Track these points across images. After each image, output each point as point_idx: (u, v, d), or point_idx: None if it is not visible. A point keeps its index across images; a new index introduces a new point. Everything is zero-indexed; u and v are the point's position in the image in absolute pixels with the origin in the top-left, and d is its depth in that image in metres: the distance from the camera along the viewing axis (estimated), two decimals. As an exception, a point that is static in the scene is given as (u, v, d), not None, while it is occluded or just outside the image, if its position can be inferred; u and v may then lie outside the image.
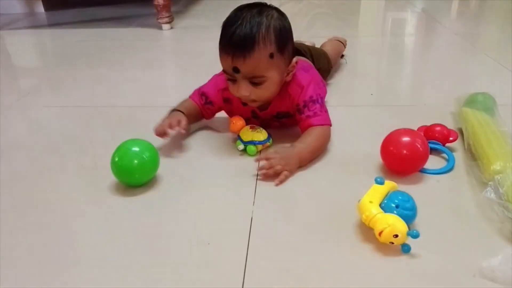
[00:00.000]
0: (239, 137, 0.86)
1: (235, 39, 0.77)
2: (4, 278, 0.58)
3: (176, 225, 0.68)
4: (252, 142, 0.85)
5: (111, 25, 2.04)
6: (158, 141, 0.86)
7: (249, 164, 0.83)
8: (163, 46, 1.78)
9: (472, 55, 1.48)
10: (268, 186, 0.76)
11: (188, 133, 0.93)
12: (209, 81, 0.95)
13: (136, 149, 0.76)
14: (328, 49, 1.24)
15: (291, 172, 0.78)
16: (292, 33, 0.84)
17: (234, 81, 0.82)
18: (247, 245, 0.63)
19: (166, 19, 1.88)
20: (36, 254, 0.63)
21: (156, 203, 0.74)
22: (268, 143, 0.87)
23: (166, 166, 0.83)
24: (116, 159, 0.75)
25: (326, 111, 0.88)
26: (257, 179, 0.78)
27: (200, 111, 0.95)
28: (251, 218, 0.68)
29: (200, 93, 0.94)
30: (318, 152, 0.84)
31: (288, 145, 0.84)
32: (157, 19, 1.88)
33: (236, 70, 0.79)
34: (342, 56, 1.38)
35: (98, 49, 1.70)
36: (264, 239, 0.64)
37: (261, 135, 0.86)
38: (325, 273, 0.57)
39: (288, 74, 0.84)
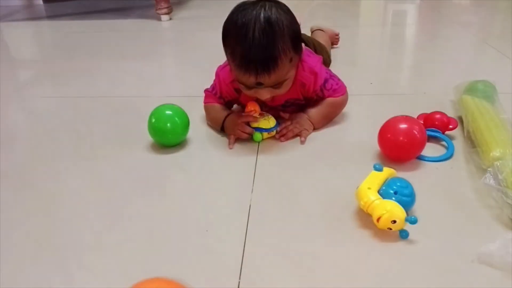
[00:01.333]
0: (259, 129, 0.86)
1: (256, 59, 0.73)
2: (1, 264, 0.59)
3: (174, 212, 0.68)
4: (258, 129, 0.84)
5: (110, 16, 2.04)
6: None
7: (248, 152, 0.82)
8: (162, 37, 1.77)
9: (472, 44, 1.48)
10: (266, 174, 0.76)
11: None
12: (216, 79, 0.91)
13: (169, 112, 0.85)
14: (323, 43, 1.23)
15: (308, 131, 0.87)
16: (298, 22, 0.81)
17: (251, 87, 0.80)
18: (245, 233, 0.62)
19: (164, 10, 1.87)
20: (34, 242, 0.63)
21: (155, 191, 0.74)
22: (273, 132, 0.86)
23: (164, 154, 0.83)
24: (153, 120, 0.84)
25: (339, 79, 0.92)
26: (255, 167, 0.78)
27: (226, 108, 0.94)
28: (249, 205, 0.68)
29: (218, 97, 0.92)
30: (330, 116, 0.91)
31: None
32: (156, 10, 1.87)
33: (259, 84, 0.78)
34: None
35: (96, 41, 1.69)
36: (262, 226, 0.64)
37: (268, 122, 0.85)
38: (324, 260, 0.57)
39: (298, 63, 0.84)
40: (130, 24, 1.90)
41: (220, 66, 0.91)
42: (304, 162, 0.80)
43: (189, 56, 1.47)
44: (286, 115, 0.90)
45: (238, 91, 0.88)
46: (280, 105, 0.91)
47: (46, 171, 0.81)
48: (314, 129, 0.88)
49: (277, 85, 0.79)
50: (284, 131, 0.85)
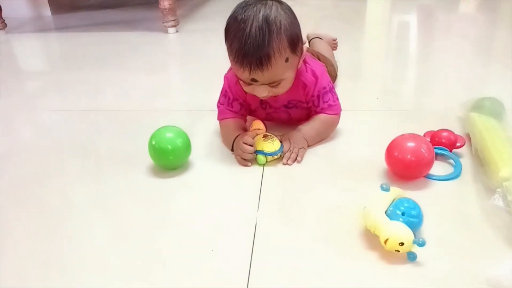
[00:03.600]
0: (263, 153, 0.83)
1: (250, 53, 0.74)
2: (6, 281, 0.58)
3: (179, 231, 0.68)
4: (262, 153, 0.82)
5: (117, 28, 2.05)
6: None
7: (254, 170, 0.82)
8: (168, 50, 1.78)
9: (479, 59, 1.47)
10: (272, 192, 0.76)
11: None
12: (225, 83, 0.92)
13: (170, 134, 0.83)
14: (326, 54, 1.22)
15: (305, 149, 0.87)
16: (299, 23, 0.81)
17: (249, 84, 0.81)
18: (251, 252, 0.62)
19: (171, 23, 1.88)
20: (39, 257, 0.63)
21: (160, 209, 0.73)
22: (277, 156, 0.83)
23: (170, 171, 0.83)
24: (153, 142, 0.82)
25: (338, 99, 0.92)
26: (261, 185, 0.78)
27: (241, 120, 0.93)
28: (255, 224, 0.68)
29: (229, 103, 0.92)
30: (323, 135, 0.91)
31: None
32: (163, 22, 1.88)
33: (254, 80, 0.79)
34: None
35: (104, 53, 1.70)
36: (268, 245, 0.63)
37: (272, 145, 0.82)
38: (329, 281, 0.57)
39: (299, 62, 0.84)
40: (137, 36, 1.92)
41: (227, 70, 0.92)
42: (311, 180, 0.79)
43: (195, 69, 1.47)
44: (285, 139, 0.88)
45: (243, 91, 0.88)
46: (283, 106, 0.92)
47: (51, 187, 0.81)
48: (308, 145, 0.88)
49: (273, 83, 0.80)
50: (294, 157, 0.84)
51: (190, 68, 1.52)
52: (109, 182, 0.82)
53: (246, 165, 0.83)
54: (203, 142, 0.93)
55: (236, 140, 0.87)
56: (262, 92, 0.81)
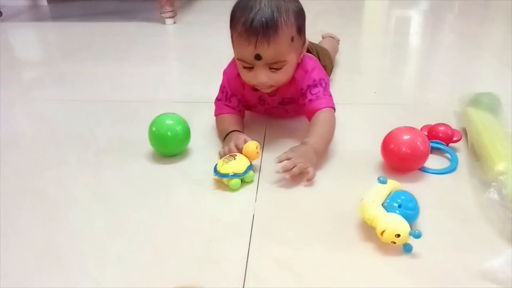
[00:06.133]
0: (217, 173, 0.74)
1: (257, 25, 0.75)
2: (4, 273, 0.59)
3: (178, 221, 0.68)
4: (233, 176, 0.73)
5: (114, 19, 2.04)
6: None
7: (253, 161, 0.82)
8: (166, 41, 1.77)
9: (476, 55, 1.48)
10: (270, 184, 0.76)
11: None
12: (224, 78, 0.91)
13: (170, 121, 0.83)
14: (328, 48, 1.23)
15: (314, 167, 0.76)
16: (304, 12, 0.83)
17: (250, 68, 0.80)
18: (249, 243, 0.62)
19: (169, 14, 1.88)
20: (37, 250, 0.63)
21: (158, 200, 0.74)
22: (248, 174, 0.75)
23: (168, 162, 0.83)
24: (154, 128, 0.82)
25: (330, 95, 0.87)
26: (259, 176, 0.78)
27: (237, 116, 0.91)
28: (253, 215, 0.68)
29: (226, 99, 0.91)
30: (330, 139, 0.84)
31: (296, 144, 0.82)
32: (161, 13, 1.87)
33: (258, 57, 0.77)
34: None
35: (101, 43, 1.69)
36: (266, 236, 0.64)
37: (240, 164, 0.74)
38: (326, 272, 0.57)
39: (300, 55, 0.84)
40: (135, 27, 1.90)
41: (226, 67, 0.92)
42: (308, 172, 0.80)
43: (193, 61, 1.47)
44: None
45: (244, 86, 0.88)
46: (278, 103, 0.91)
47: (49, 177, 0.81)
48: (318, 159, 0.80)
49: (275, 64, 0.79)
50: (290, 165, 0.73)
51: (188, 59, 1.52)
52: (107, 172, 0.82)
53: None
54: (201, 133, 0.93)
55: (230, 135, 0.85)
56: (263, 76, 0.79)
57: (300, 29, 0.81)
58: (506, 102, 0.95)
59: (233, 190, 0.74)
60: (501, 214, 0.64)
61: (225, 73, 0.92)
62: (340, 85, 1.19)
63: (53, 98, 1.19)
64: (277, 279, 0.57)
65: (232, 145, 0.80)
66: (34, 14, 2.21)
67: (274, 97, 0.90)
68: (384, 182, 0.65)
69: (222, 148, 0.83)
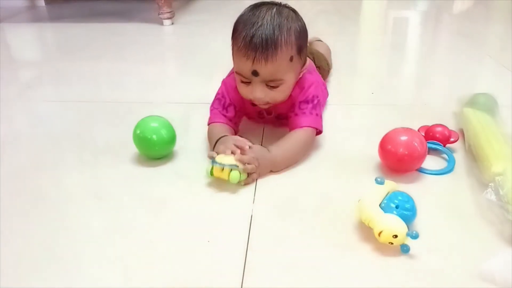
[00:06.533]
0: (216, 162, 0.73)
1: (257, 41, 0.74)
2: (2, 273, 0.58)
3: (175, 222, 0.68)
4: (233, 166, 0.72)
5: (112, 19, 2.04)
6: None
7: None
8: (164, 42, 1.77)
9: (474, 56, 1.48)
10: (268, 184, 0.76)
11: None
12: (223, 86, 0.89)
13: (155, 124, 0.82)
14: (322, 51, 1.23)
15: (260, 176, 0.76)
16: (307, 34, 0.83)
17: (248, 83, 0.80)
18: (247, 243, 0.62)
19: (167, 15, 1.87)
20: (35, 250, 0.63)
21: (155, 200, 0.73)
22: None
23: (163, 161, 0.83)
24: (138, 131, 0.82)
25: (318, 115, 0.84)
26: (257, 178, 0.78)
27: (230, 128, 0.87)
28: (251, 216, 0.68)
29: (223, 107, 0.87)
30: (294, 159, 0.81)
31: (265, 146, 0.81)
32: (158, 14, 1.87)
33: (255, 73, 0.77)
34: None
35: (98, 43, 1.69)
36: (264, 237, 0.64)
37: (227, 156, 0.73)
38: (324, 272, 0.57)
39: (300, 74, 0.83)
40: (132, 27, 1.90)
41: (226, 77, 0.92)
42: (305, 173, 0.80)
43: (190, 61, 1.47)
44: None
45: (243, 98, 0.86)
46: (275, 118, 0.91)
47: (47, 177, 0.81)
48: (272, 171, 0.79)
49: (272, 82, 0.78)
50: (238, 158, 0.73)
51: (185, 60, 1.52)
52: (104, 172, 0.82)
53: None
54: (198, 134, 0.93)
55: (221, 139, 0.79)
56: (260, 92, 0.78)
57: (301, 49, 0.79)
58: (504, 102, 0.95)
59: (233, 182, 0.72)
60: (499, 214, 0.64)
61: (224, 82, 0.90)
62: (338, 86, 1.19)
63: (51, 98, 1.19)
64: (275, 279, 0.56)
65: (230, 144, 0.76)
66: (32, 14, 2.21)
67: (270, 115, 0.90)
68: (381, 183, 0.66)
69: (213, 150, 0.78)
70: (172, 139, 0.84)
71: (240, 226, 0.66)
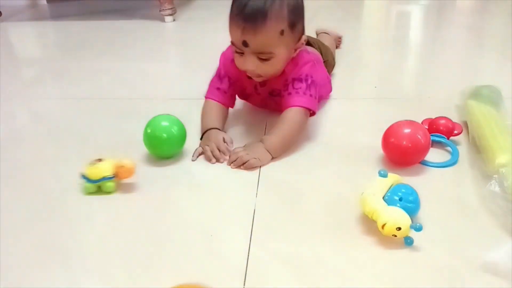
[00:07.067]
0: (86, 179, 0.72)
1: (247, 12, 0.75)
2: (5, 271, 0.59)
3: (179, 217, 0.68)
4: (104, 179, 0.72)
5: (114, 17, 2.04)
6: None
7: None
8: (165, 38, 1.77)
9: (477, 48, 1.47)
10: (270, 178, 0.76)
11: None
12: (221, 60, 0.92)
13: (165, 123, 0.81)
14: (328, 45, 1.23)
15: (261, 161, 0.78)
16: (304, 11, 0.83)
17: (241, 53, 0.81)
18: (250, 237, 0.62)
19: (168, 11, 1.87)
20: (38, 246, 0.63)
21: (157, 196, 0.73)
22: (110, 183, 0.73)
23: (168, 159, 0.83)
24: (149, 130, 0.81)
25: (312, 95, 0.84)
26: (259, 171, 0.78)
27: (224, 106, 0.91)
28: (254, 210, 0.68)
29: (219, 79, 0.90)
30: (291, 141, 0.82)
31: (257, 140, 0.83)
32: (160, 11, 1.87)
33: (245, 44, 0.78)
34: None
35: (100, 41, 1.69)
36: (267, 231, 0.64)
37: (97, 171, 0.72)
38: (328, 265, 0.57)
39: (295, 51, 0.83)
40: (134, 24, 1.90)
41: (225, 50, 0.92)
42: (308, 166, 0.80)
43: (192, 58, 1.47)
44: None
45: (240, 71, 0.87)
46: (268, 93, 0.91)
47: (49, 175, 0.81)
48: (272, 158, 0.80)
49: (262, 54, 0.78)
50: (234, 158, 0.79)
51: (187, 56, 1.52)
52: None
53: (210, 161, 0.81)
54: (200, 130, 0.93)
55: (208, 133, 0.85)
56: (251, 63, 0.79)
57: (294, 24, 0.79)
58: (507, 95, 0.94)
59: (108, 193, 0.72)
60: (503, 206, 0.64)
61: (223, 54, 0.92)
62: (341, 80, 1.19)
63: (53, 95, 1.19)
64: (279, 274, 0.56)
65: (213, 145, 0.82)
66: (34, 13, 2.21)
67: (264, 87, 0.90)
68: (385, 176, 0.65)
69: (201, 146, 0.84)
70: (182, 138, 0.83)
71: (243, 221, 0.66)
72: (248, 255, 0.59)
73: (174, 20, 1.91)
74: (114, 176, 0.73)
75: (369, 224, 0.63)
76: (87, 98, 1.15)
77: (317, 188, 0.74)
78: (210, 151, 0.81)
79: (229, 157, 0.80)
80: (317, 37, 1.33)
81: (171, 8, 1.88)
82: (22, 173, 0.82)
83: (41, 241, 0.64)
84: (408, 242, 0.59)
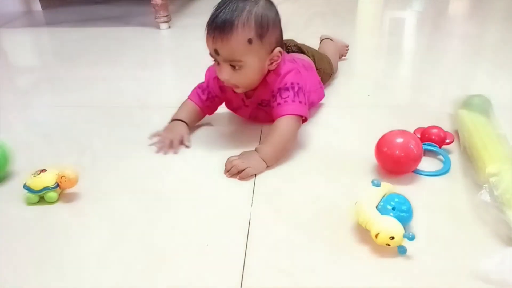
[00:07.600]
0: (28, 189, 0.73)
1: (217, 22, 0.80)
2: (2, 277, 0.59)
3: (174, 226, 0.68)
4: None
5: (109, 24, 2.04)
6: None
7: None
8: (161, 46, 1.77)
9: (469, 57, 1.49)
10: (266, 187, 0.77)
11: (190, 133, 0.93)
12: (207, 73, 0.97)
13: None
14: (329, 53, 1.24)
15: (256, 170, 0.80)
16: (279, 23, 0.85)
17: (218, 63, 0.85)
18: (245, 247, 0.63)
19: (163, 19, 1.88)
20: (34, 256, 0.63)
21: (153, 204, 0.74)
22: (52, 194, 0.74)
23: (162, 165, 0.84)
24: None
25: (301, 102, 0.85)
26: (255, 180, 0.79)
27: (200, 110, 0.97)
28: (249, 219, 0.69)
29: (201, 90, 0.96)
30: (285, 149, 0.85)
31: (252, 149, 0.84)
32: (155, 18, 1.88)
33: (216, 52, 0.82)
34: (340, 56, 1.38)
35: (95, 48, 1.70)
36: (262, 240, 0.65)
37: (40, 181, 0.73)
38: (322, 275, 0.58)
39: (271, 63, 0.85)
40: (129, 32, 1.91)
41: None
42: (303, 175, 0.81)
43: (187, 65, 1.47)
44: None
45: (221, 89, 0.93)
46: (258, 105, 0.93)
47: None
48: (267, 166, 0.82)
49: (233, 62, 0.82)
50: (229, 166, 0.80)
51: (182, 64, 1.52)
52: (103, 177, 0.82)
53: (159, 150, 0.88)
54: (196, 137, 0.93)
55: (173, 123, 0.93)
56: (224, 72, 0.83)
57: (263, 34, 0.81)
58: (499, 104, 0.96)
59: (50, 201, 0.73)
60: (494, 215, 0.65)
61: (208, 69, 0.96)
62: (334, 88, 1.20)
63: (48, 103, 1.19)
64: (274, 282, 0.57)
65: (169, 136, 0.89)
66: (29, 20, 2.21)
67: (250, 99, 0.92)
68: (378, 185, 0.66)
69: (161, 135, 0.91)
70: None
71: (239, 229, 0.67)
72: (244, 265, 0.60)
73: (169, 27, 1.91)
74: (57, 186, 0.74)
75: (363, 233, 0.63)
76: (82, 106, 1.15)
77: (310, 197, 0.74)
78: (162, 141, 0.89)
79: (225, 166, 0.81)
80: (320, 43, 1.35)
81: (166, 16, 1.88)
82: (18, 181, 0.81)
83: (37, 248, 0.64)
84: (401, 251, 0.60)
